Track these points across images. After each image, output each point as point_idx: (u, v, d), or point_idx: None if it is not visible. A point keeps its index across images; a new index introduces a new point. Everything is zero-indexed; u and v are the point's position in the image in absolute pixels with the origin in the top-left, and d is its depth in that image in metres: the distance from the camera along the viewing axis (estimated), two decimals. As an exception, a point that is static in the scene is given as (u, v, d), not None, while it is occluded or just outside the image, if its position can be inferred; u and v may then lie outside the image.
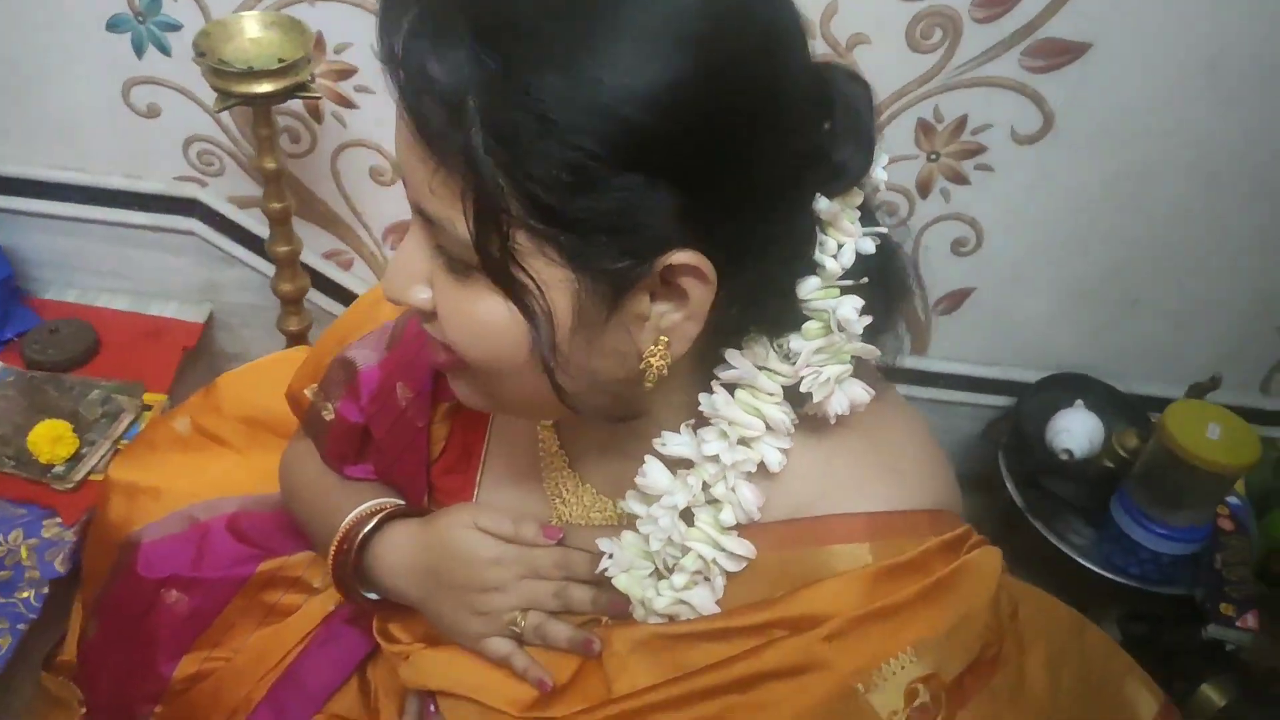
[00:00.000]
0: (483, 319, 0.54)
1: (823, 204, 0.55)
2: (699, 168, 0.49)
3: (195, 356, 1.39)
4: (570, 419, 0.69)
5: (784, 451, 0.59)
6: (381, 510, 0.77)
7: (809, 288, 0.57)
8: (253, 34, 1.03)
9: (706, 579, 0.61)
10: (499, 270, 0.51)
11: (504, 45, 0.47)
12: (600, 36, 0.47)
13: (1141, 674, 0.75)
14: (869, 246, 0.57)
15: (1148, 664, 1.41)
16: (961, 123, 1.22)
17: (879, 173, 0.58)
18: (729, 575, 0.61)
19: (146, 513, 0.95)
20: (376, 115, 1.24)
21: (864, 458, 0.61)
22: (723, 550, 0.60)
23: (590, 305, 0.52)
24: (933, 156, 1.25)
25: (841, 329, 0.57)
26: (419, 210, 0.54)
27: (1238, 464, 1.16)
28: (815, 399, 0.58)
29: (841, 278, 0.57)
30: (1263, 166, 1.24)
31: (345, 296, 1.42)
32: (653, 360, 0.55)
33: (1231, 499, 1.33)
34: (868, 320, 0.57)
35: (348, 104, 1.22)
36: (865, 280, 0.57)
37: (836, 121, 0.55)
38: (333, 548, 0.77)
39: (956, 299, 1.39)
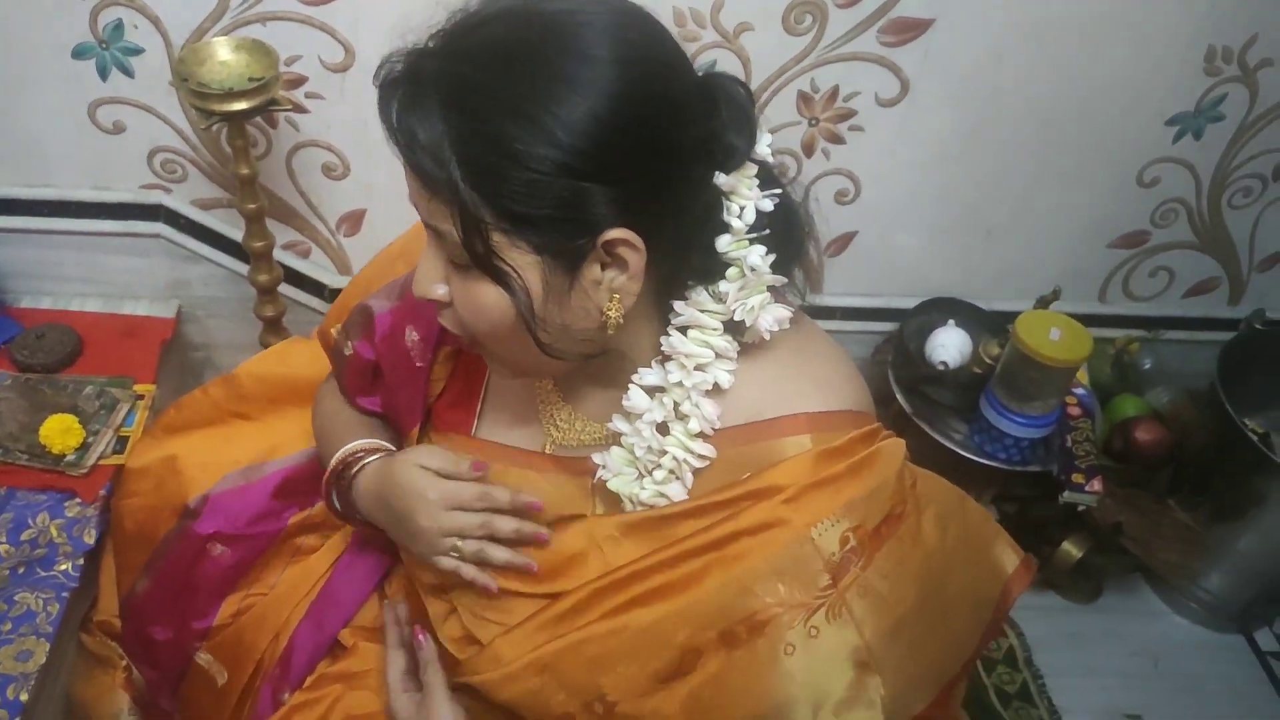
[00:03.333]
0: (480, 301, 0.73)
1: (721, 178, 0.75)
2: (620, 168, 0.69)
3: (169, 348, 1.52)
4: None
5: (731, 373, 0.79)
6: (364, 450, 0.96)
7: (724, 243, 0.77)
8: (223, 57, 1.17)
9: (678, 476, 0.81)
10: (485, 262, 0.71)
11: (464, 104, 0.67)
12: (537, 85, 0.67)
13: (1007, 538, 0.92)
14: (768, 205, 0.77)
15: (1018, 532, 1.69)
16: (834, 92, 1.43)
17: (763, 149, 0.77)
18: (699, 471, 0.80)
19: (196, 481, 1.11)
20: (326, 118, 1.38)
21: (799, 374, 0.82)
22: (691, 452, 0.80)
23: (555, 278, 0.72)
24: (813, 122, 1.46)
25: (753, 270, 0.77)
26: (428, 225, 0.74)
27: (1074, 359, 1.42)
28: (748, 324, 0.78)
29: (749, 231, 0.77)
30: (1082, 111, 1.49)
31: (305, 282, 1.56)
32: (610, 313, 0.74)
33: (1079, 390, 1.60)
34: (773, 259, 0.77)
35: (300, 109, 1.36)
36: (768, 231, 0.77)
37: (724, 116, 0.75)
38: (324, 483, 0.96)
39: (843, 242, 1.62)
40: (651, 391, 0.81)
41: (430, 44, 0.70)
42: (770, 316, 0.79)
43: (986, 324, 1.65)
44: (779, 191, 0.78)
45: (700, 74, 0.76)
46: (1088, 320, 1.49)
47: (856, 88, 1.43)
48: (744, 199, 0.76)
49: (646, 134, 0.69)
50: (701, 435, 0.80)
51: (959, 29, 1.39)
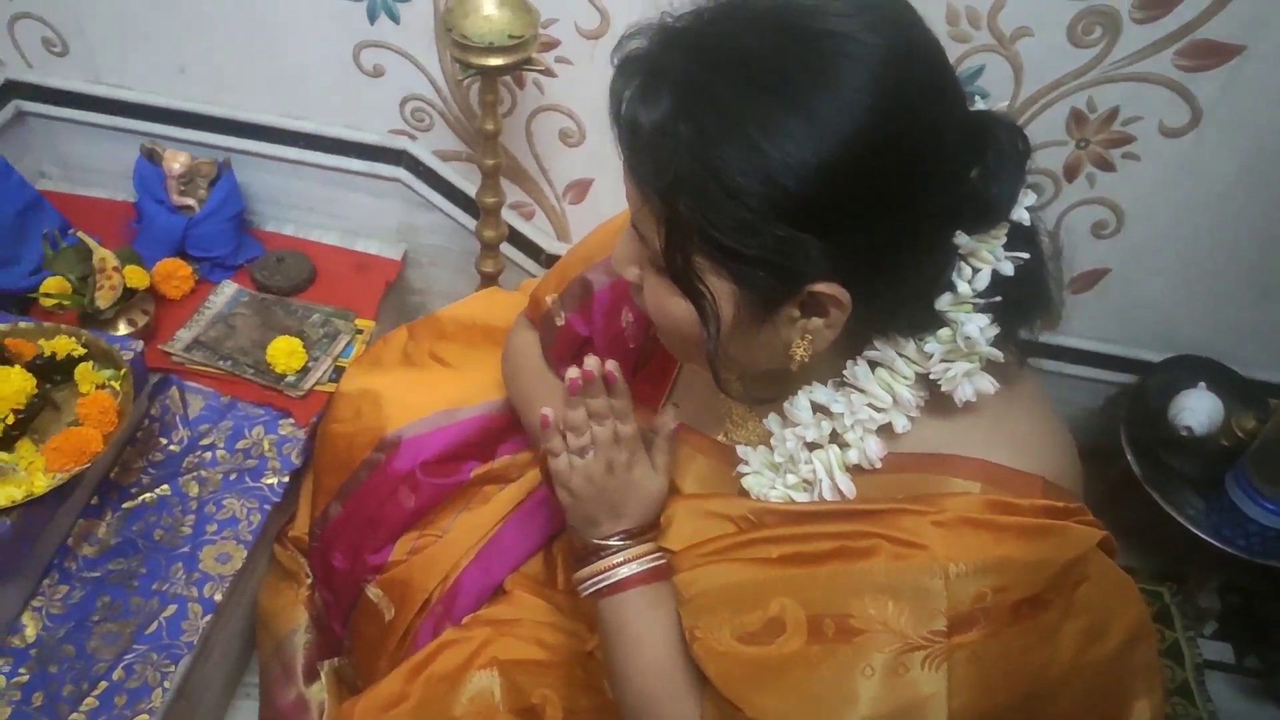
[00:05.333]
0: (668, 308, 0.70)
1: (962, 239, 0.67)
2: (842, 223, 0.62)
3: (392, 289, 1.57)
4: None
5: (911, 419, 0.72)
6: None
7: (944, 302, 0.69)
8: (487, 11, 1.18)
9: (810, 487, 0.75)
10: (683, 280, 0.67)
11: (697, 115, 0.61)
12: (775, 116, 0.60)
13: (1157, 705, 0.79)
14: (1008, 269, 0.68)
15: (1241, 629, 1.50)
16: (1113, 114, 1.30)
17: (1022, 212, 0.68)
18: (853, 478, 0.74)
19: (393, 417, 1.15)
20: (571, 84, 1.38)
21: (993, 426, 0.73)
22: (833, 479, 0.74)
23: (748, 313, 0.67)
24: (1082, 144, 1.34)
25: (968, 339, 0.68)
26: (634, 223, 0.70)
27: (1354, 449, 1.24)
28: (944, 389, 0.70)
29: (977, 296, 0.68)
30: (1405, 169, 1.30)
31: (524, 244, 1.58)
32: (797, 351, 0.69)
33: (1344, 484, 1.41)
34: (994, 332, 0.68)
35: (548, 73, 1.37)
36: (999, 299, 0.68)
37: (987, 168, 0.67)
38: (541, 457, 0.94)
39: (1091, 279, 1.48)
40: (817, 409, 0.75)
41: (681, 25, 0.64)
42: (971, 387, 0.70)
43: (1242, 392, 1.48)
44: (1024, 256, 0.69)
45: (973, 112, 0.68)
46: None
47: (1139, 112, 1.30)
48: (981, 263, 0.68)
49: (883, 191, 0.62)
50: (855, 468, 0.74)
51: (1272, 59, 1.22)
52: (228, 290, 1.46)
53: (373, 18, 1.36)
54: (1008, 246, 0.69)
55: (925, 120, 0.63)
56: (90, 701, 1.03)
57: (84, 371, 1.11)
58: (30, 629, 1.08)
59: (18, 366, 1.04)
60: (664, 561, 0.82)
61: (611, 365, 0.81)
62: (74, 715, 1.02)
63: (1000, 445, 0.72)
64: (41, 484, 1.03)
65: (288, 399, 1.33)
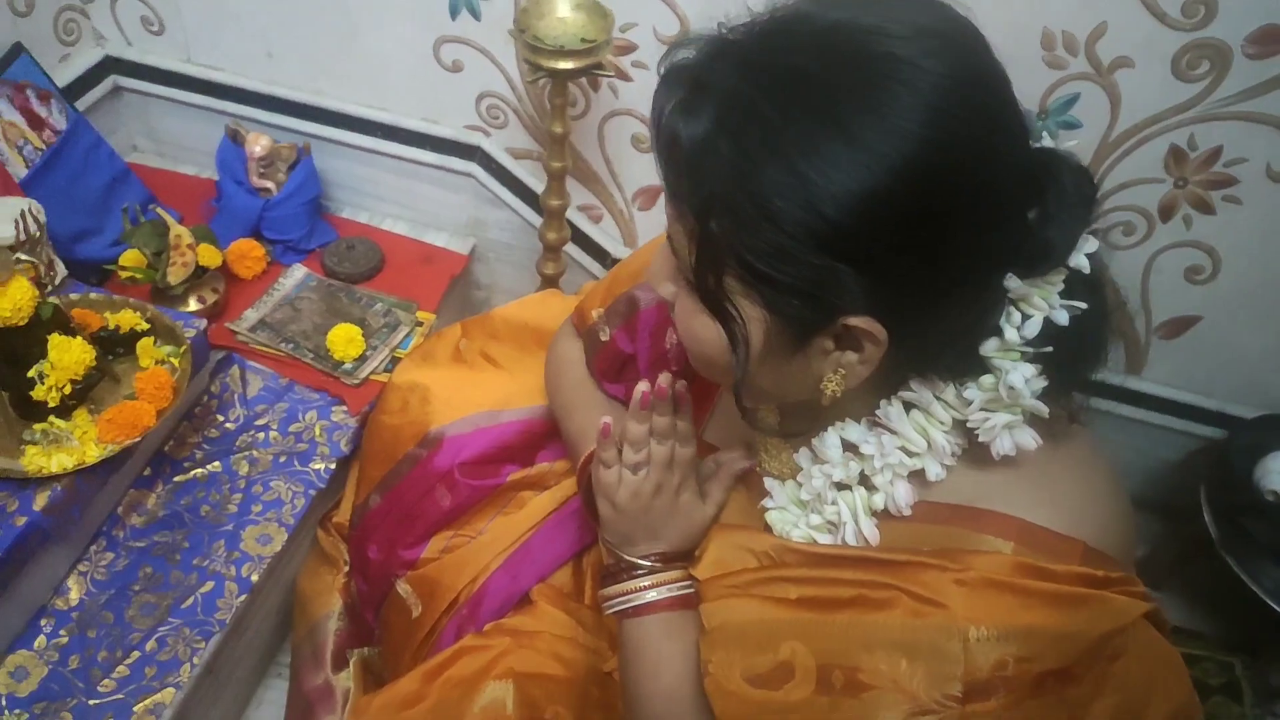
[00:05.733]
0: (696, 329, 0.68)
1: (1014, 283, 0.63)
2: (884, 257, 0.59)
3: (456, 282, 1.57)
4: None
5: (945, 468, 0.68)
6: None
7: (989, 348, 0.65)
8: (562, 14, 1.17)
9: (834, 529, 0.72)
10: (712, 301, 0.64)
11: (738, 133, 0.58)
12: (819, 139, 0.56)
13: None
14: (1063, 318, 0.64)
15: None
16: (1216, 153, 1.22)
17: (1081, 259, 0.64)
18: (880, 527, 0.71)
19: (439, 413, 1.15)
20: (646, 90, 1.35)
21: (1036, 483, 0.68)
22: (857, 525, 0.71)
23: (779, 341, 0.64)
24: (1180, 183, 1.26)
25: (1011, 389, 0.64)
26: (669, 237, 0.68)
27: None
28: (981, 439, 0.66)
29: (1025, 344, 0.64)
30: None
31: (590, 246, 1.57)
32: (828, 386, 0.66)
33: None
34: (1041, 385, 0.64)
35: (624, 77, 1.35)
36: (1050, 349, 0.64)
37: (1046, 209, 0.63)
38: (579, 470, 0.93)
39: (1180, 326, 1.39)
40: (848, 447, 0.72)
41: (732, 38, 0.62)
42: (1010, 440, 0.66)
43: (1340, 459, 1.37)
44: (1083, 306, 0.64)
45: (1036, 150, 0.64)
46: None
47: (1244, 153, 1.21)
48: (1033, 309, 0.64)
49: (929, 226, 0.58)
50: (883, 513, 0.70)
51: (1399, 105, 1.13)
52: (296, 274, 1.48)
53: (454, 14, 1.36)
54: (1066, 294, 0.65)
55: (980, 155, 0.59)
56: (122, 670, 1.05)
57: (145, 346, 1.14)
58: (74, 592, 1.11)
59: (79, 338, 1.07)
60: (692, 590, 0.80)
61: (681, 385, 0.79)
62: (105, 681, 1.04)
63: (1041, 504, 0.67)
64: (93, 454, 1.06)
65: (343, 386, 1.35)
